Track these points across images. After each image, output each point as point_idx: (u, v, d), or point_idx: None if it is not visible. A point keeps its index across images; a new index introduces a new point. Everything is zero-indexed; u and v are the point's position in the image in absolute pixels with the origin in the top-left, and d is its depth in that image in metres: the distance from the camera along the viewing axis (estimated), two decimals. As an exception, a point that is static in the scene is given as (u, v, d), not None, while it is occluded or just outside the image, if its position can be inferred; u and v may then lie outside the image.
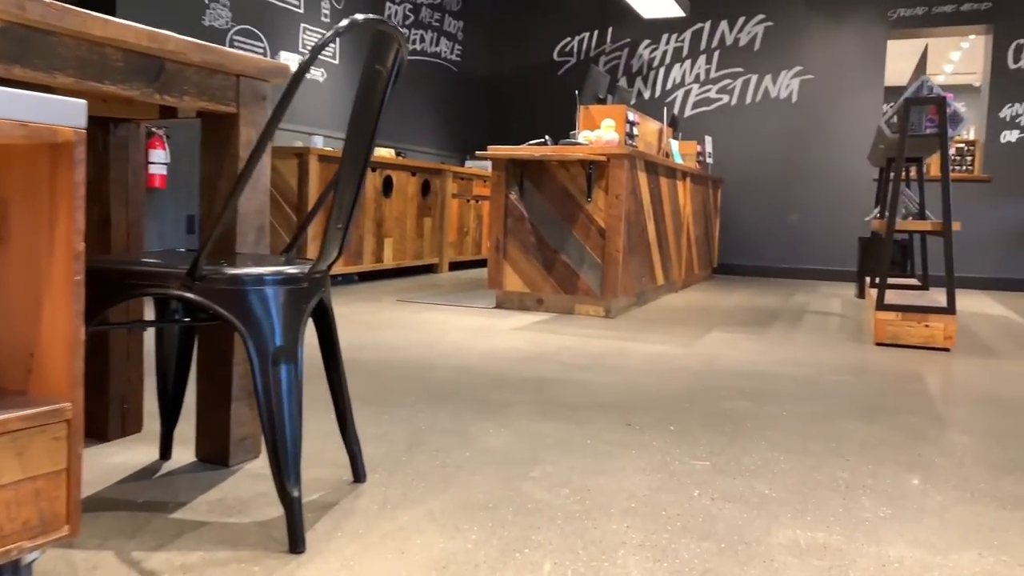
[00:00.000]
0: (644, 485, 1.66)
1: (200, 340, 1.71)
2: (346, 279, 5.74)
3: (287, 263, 1.42)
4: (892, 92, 9.13)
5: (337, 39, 6.12)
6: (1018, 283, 6.80)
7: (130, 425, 1.89)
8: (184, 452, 1.76)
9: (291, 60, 5.69)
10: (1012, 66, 6.75)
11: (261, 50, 5.39)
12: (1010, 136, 6.79)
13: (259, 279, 1.30)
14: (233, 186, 1.24)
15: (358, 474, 1.61)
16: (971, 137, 7.24)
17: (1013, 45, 6.73)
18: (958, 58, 10.77)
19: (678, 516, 1.50)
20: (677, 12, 7.06)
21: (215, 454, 1.70)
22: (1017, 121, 6.77)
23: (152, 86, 1.46)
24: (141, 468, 1.66)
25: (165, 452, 1.72)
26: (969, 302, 5.73)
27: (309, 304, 1.38)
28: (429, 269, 6.69)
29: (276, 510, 1.46)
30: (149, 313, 3.22)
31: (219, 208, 1.66)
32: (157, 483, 1.58)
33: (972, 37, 9.41)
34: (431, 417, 2.14)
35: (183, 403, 1.73)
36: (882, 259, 3.71)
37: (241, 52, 1.60)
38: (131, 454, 1.75)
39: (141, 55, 1.42)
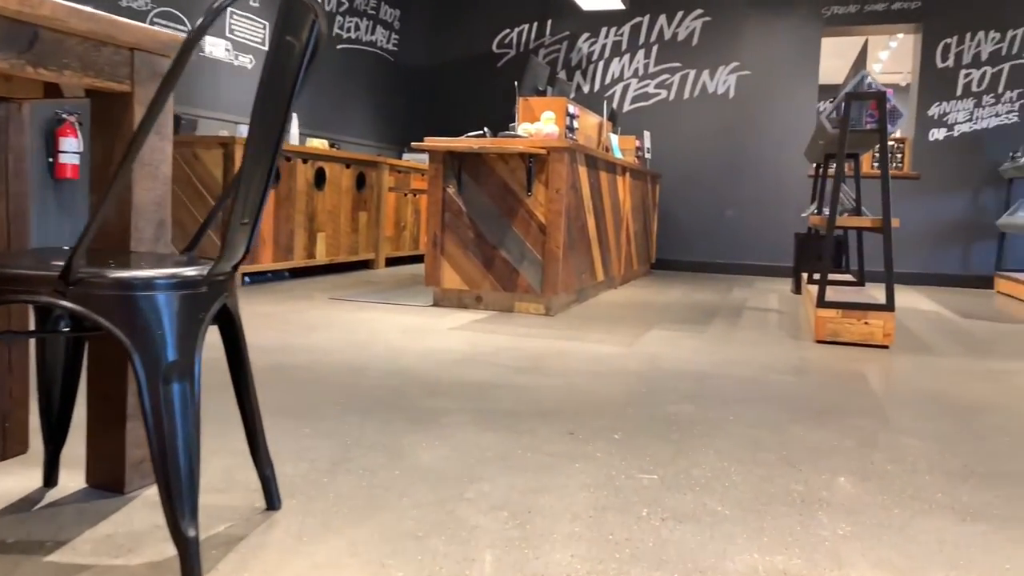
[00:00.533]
0: (589, 504, 1.53)
1: (90, 350, 1.51)
2: (276, 276, 5.48)
3: (187, 264, 1.23)
4: (824, 90, 9.27)
5: (259, 20, 5.83)
6: (946, 278, 6.96)
7: (12, 446, 1.66)
8: (74, 477, 1.56)
9: (216, 45, 5.39)
10: (940, 65, 6.89)
11: (184, 34, 5.07)
12: (938, 134, 6.93)
13: (148, 283, 1.12)
14: (114, 171, 1.05)
15: (272, 500, 1.44)
16: (900, 135, 7.38)
17: (941, 44, 6.87)
18: (886, 57, 11.03)
19: (627, 541, 1.37)
20: (616, 5, 6.99)
21: (108, 479, 1.51)
22: (944, 119, 6.91)
23: (24, 57, 1.25)
24: (20, 498, 1.45)
25: (50, 478, 1.51)
26: (901, 298, 5.82)
27: (209, 311, 1.20)
28: (364, 265, 6.46)
29: (174, 547, 1.27)
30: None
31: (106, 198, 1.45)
32: (36, 516, 1.38)
33: (900, 36, 9.63)
34: (359, 430, 1.97)
35: (71, 421, 1.52)
36: (823, 256, 3.68)
37: (136, 23, 1.40)
38: (11, 480, 1.53)
39: (9, 20, 1.22)
